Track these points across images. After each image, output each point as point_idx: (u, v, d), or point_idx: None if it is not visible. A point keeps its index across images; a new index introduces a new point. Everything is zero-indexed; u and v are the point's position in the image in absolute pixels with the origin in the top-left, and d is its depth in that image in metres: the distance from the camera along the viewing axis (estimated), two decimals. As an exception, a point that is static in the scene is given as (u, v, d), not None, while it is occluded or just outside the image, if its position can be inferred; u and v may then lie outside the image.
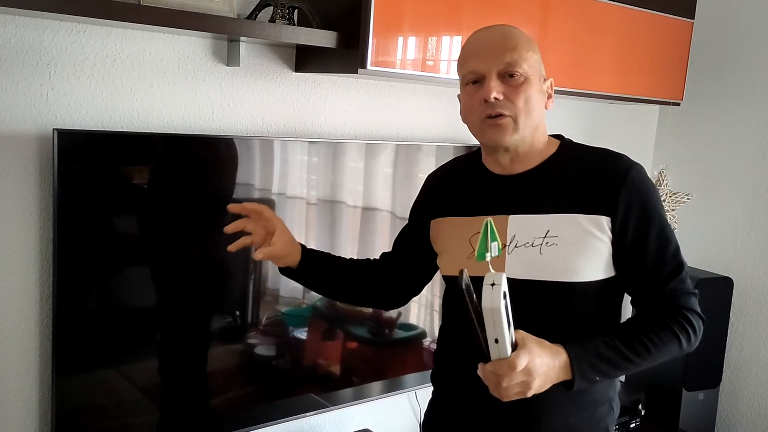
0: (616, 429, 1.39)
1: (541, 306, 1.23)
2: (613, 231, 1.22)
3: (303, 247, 1.42)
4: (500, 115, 1.21)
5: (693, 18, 2.51)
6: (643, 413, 2.64)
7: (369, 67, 1.71)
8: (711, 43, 2.77)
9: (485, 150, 1.33)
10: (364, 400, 2.19)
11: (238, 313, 1.90)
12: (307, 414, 2.02)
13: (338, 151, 2.00)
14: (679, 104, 2.58)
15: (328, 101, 2.04)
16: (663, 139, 2.99)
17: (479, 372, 1.09)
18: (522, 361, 1.07)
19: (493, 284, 1.02)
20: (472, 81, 1.24)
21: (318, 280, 1.46)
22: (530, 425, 1.26)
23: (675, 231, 2.50)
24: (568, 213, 1.23)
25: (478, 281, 1.23)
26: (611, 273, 1.25)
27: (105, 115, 1.67)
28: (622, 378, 1.41)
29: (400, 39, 1.79)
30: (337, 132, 2.07)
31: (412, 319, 2.24)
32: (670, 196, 2.50)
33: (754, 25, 2.68)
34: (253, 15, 1.73)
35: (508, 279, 1.15)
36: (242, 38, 1.73)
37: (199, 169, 1.77)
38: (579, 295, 1.23)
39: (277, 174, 1.88)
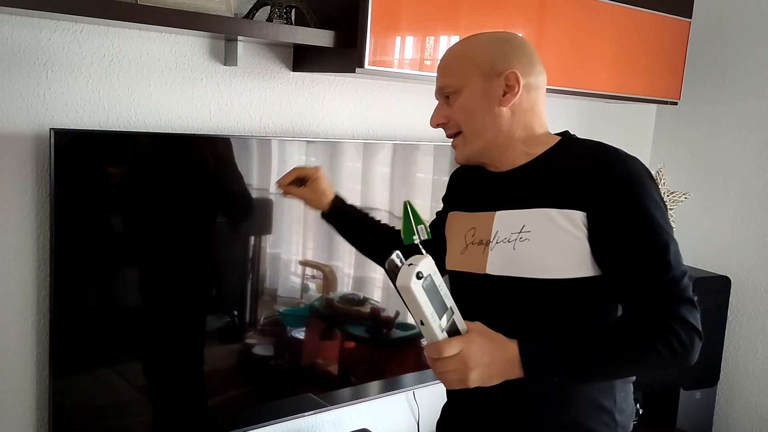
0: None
1: (519, 302, 1.20)
2: (588, 226, 1.15)
3: (336, 199, 1.59)
4: (454, 135, 1.28)
5: (690, 17, 2.51)
6: (640, 412, 2.64)
7: (367, 66, 1.71)
8: (708, 42, 2.77)
9: None
10: (362, 400, 2.19)
11: (236, 312, 1.90)
12: (305, 414, 2.02)
13: (336, 150, 2.00)
14: (676, 103, 2.58)
15: (326, 101, 2.04)
16: (660, 138, 3.00)
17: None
18: (451, 348, 1.05)
19: (410, 264, 1.01)
20: None
21: (344, 232, 1.62)
22: (526, 421, 1.24)
23: (673, 230, 2.52)
24: (541, 207, 1.18)
25: (465, 276, 1.25)
26: (593, 272, 1.17)
27: (102, 115, 1.66)
28: (624, 386, 1.30)
29: (398, 38, 1.79)
30: (334, 131, 2.07)
31: (410, 319, 2.24)
32: (667, 196, 2.50)
33: (752, 24, 2.68)
34: (250, 14, 1.73)
35: (489, 276, 1.16)
36: (240, 38, 1.73)
37: (197, 169, 1.77)
38: (554, 292, 1.17)
39: (275, 173, 1.87)
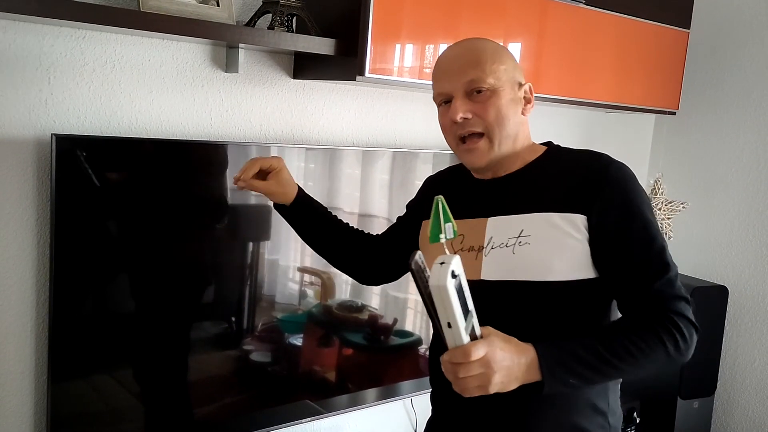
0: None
1: (518, 307, 1.21)
2: (589, 230, 1.18)
3: (300, 191, 1.48)
4: (472, 135, 1.23)
5: (689, 28, 2.52)
6: (638, 421, 2.64)
7: (367, 74, 1.72)
8: (706, 52, 2.78)
9: None
10: (359, 407, 2.18)
11: (233, 318, 1.90)
12: (303, 420, 2.02)
13: (335, 157, 2.01)
14: (674, 113, 2.59)
15: (326, 108, 2.04)
16: (659, 147, 3.01)
17: (442, 365, 1.05)
18: (479, 351, 1.02)
19: (442, 263, 0.98)
20: (443, 102, 1.27)
21: (303, 227, 1.52)
22: (514, 428, 1.24)
23: (670, 239, 2.52)
24: (542, 212, 1.20)
25: None
26: (591, 274, 1.20)
27: (103, 121, 1.67)
28: (615, 387, 1.32)
29: (398, 47, 1.80)
30: (334, 139, 2.07)
31: (408, 326, 2.24)
32: (665, 205, 2.51)
33: (749, 35, 2.69)
34: (252, 22, 1.73)
35: (485, 282, 1.15)
36: (241, 45, 1.74)
37: (197, 176, 1.77)
38: (555, 295, 1.19)
39: (275, 180, 1.88)
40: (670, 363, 1.16)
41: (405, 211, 1.53)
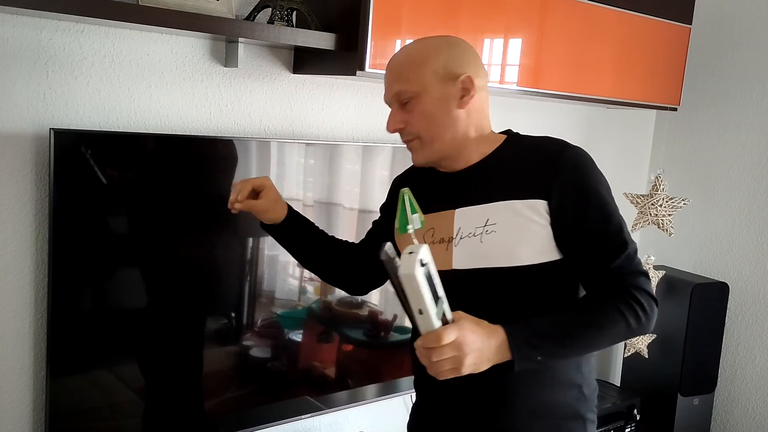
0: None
1: (490, 293, 1.26)
2: (550, 213, 1.22)
3: (290, 208, 1.47)
4: (409, 139, 1.31)
5: (690, 23, 2.51)
6: (638, 418, 2.64)
7: (367, 69, 1.71)
8: (708, 48, 2.78)
9: None
10: (359, 403, 2.18)
11: (233, 314, 1.89)
12: (302, 417, 2.02)
13: (335, 153, 2.00)
14: (676, 109, 2.59)
15: (326, 103, 2.04)
16: (660, 143, 3.00)
17: (416, 351, 1.11)
18: (450, 335, 1.07)
19: (410, 253, 1.03)
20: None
21: (294, 244, 1.51)
22: (496, 409, 1.28)
23: (671, 236, 2.52)
24: (505, 200, 1.24)
25: None
26: (556, 256, 1.24)
27: (102, 115, 1.66)
28: (588, 360, 1.35)
29: (399, 42, 1.79)
30: (334, 134, 2.07)
31: (408, 322, 2.23)
32: (666, 201, 2.50)
33: (751, 30, 2.69)
34: (251, 16, 1.73)
35: (457, 271, 1.20)
36: (240, 39, 1.73)
37: (196, 170, 1.77)
38: (524, 279, 1.24)
39: (274, 175, 1.87)
40: (632, 334, 1.22)
41: (379, 215, 1.54)
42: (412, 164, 1.48)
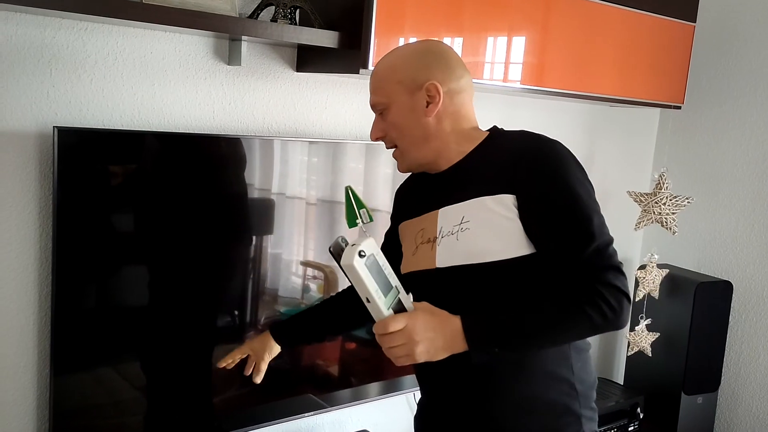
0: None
1: (470, 289, 1.27)
2: (518, 207, 1.22)
3: (281, 334, 1.57)
4: (391, 148, 1.37)
5: (695, 21, 2.51)
6: (641, 416, 2.64)
7: (371, 67, 1.71)
8: (712, 46, 2.77)
9: None
10: (362, 401, 2.18)
11: (236, 312, 1.90)
12: (306, 414, 2.02)
13: (338, 151, 2.00)
14: (680, 107, 2.58)
15: (329, 101, 2.04)
16: (664, 142, 2.99)
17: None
18: (397, 323, 1.11)
19: (353, 245, 1.07)
20: None
21: (310, 339, 1.70)
22: (481, 402, 1.29)
23: (675, 234, 2.51)
24: (477, 197, 1.25)
25: (418, 275, 1.32)
26: (528, 250, 1.23)
27: (105, 113, 1.66)
28: (578, 355, 1.34)
29: (402, 40, 1.79)
30: (337, 132, 2.07)
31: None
32: (670, 200, 2.50)
33: (755, 28, 2.68)
34: (254, 14, 1.73)
35: (440, 269, 1.24)
36: (244, 37, 1.73)
37: (199, 168, 1.77)
38: (500, 274, 1.24)
39: (277, 174, 1.88)
40: (598, 330, 1.20)
41: (390, 223, 1.55)
42: None
